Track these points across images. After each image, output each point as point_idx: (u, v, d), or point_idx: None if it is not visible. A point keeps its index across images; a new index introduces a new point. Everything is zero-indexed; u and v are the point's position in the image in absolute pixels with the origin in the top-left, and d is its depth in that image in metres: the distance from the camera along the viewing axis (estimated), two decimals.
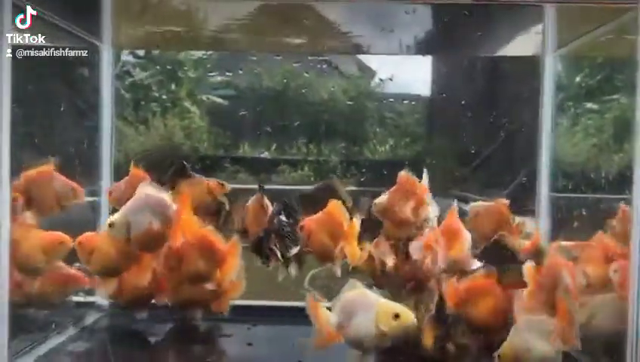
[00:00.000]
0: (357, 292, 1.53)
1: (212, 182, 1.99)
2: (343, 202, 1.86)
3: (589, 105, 3.28)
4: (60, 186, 1.88)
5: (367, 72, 4.68)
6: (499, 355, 1.45)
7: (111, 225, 1.73)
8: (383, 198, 1.79)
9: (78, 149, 2.25)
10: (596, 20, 1.88)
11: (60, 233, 1.82)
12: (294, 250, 1.87)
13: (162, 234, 1.75)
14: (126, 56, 4.55)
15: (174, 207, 1.77)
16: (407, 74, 3.37)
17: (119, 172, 2.24)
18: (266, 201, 1.97)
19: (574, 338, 1.42)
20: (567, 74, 2.46)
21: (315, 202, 1.87)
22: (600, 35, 1.92)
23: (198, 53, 4.70)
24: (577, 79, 3.12)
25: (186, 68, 4.81)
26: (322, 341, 1.51)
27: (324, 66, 4.43)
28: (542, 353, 1.42)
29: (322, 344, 1.51)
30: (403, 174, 1.80)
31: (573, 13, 1.88)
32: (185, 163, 2.00)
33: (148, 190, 1.76)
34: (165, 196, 1.78)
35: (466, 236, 1.81)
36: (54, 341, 1.82)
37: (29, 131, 1.91)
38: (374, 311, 1.46)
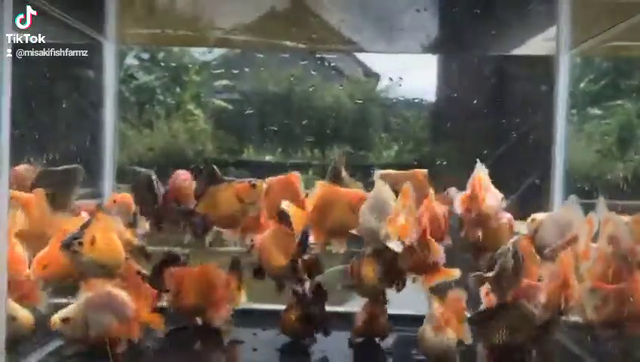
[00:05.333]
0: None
1: (241, 185, 1.80)
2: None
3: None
4: None
5: (374, 76, 4.65)
6: None
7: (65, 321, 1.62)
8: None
9: (80, 149, 2.21)
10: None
11: None
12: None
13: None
14: (131, 60, 4.53)
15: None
16: (417, 75, 3.32)
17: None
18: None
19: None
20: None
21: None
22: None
23: (203, 57, 4.68)
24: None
25: (190, 66, 4.79)
26: None
27: (332, 64, 4.40)
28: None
29: None
30: None
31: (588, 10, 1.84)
32: (215, 168, 1.83)
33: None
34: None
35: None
36: None
37: (31, 130, 1.87)
38: None
